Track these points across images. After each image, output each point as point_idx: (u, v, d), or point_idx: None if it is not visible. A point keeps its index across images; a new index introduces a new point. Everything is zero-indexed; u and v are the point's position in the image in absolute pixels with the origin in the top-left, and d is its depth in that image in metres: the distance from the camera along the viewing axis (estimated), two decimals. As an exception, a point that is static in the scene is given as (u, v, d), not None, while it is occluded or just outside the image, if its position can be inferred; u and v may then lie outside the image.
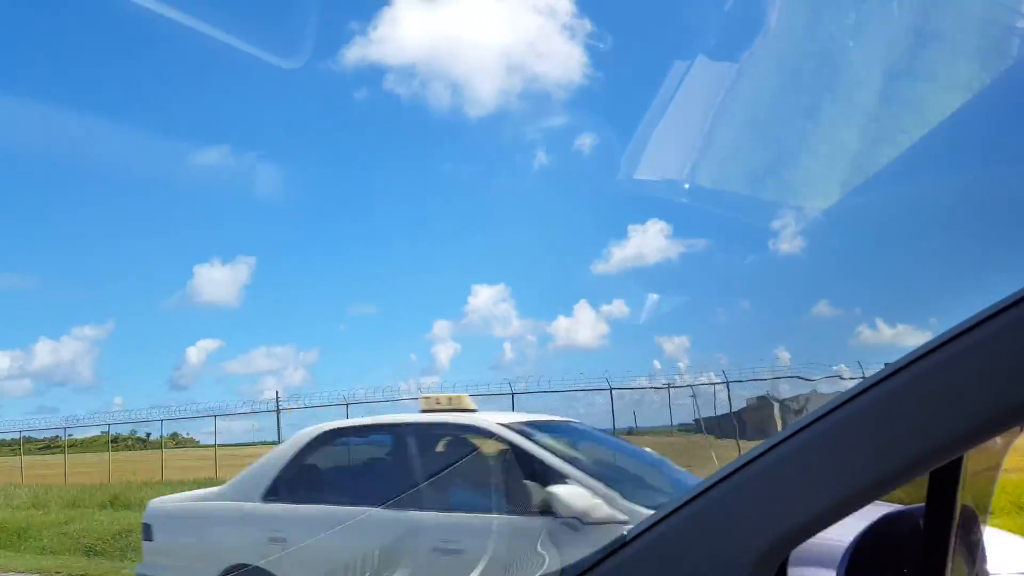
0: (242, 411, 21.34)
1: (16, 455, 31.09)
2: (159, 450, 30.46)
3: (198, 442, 37.08)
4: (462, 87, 66.23)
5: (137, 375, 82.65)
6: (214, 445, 19.55)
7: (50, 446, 40.67)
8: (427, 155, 70.36)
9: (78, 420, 29.64)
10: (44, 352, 73.95)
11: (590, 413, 18.55)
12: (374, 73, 66.13)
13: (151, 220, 71.63)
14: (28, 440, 35.45)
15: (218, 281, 76.82)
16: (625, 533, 1.43)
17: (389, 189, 71.73)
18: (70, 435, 35.86)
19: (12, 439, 34.53)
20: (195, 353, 79.90)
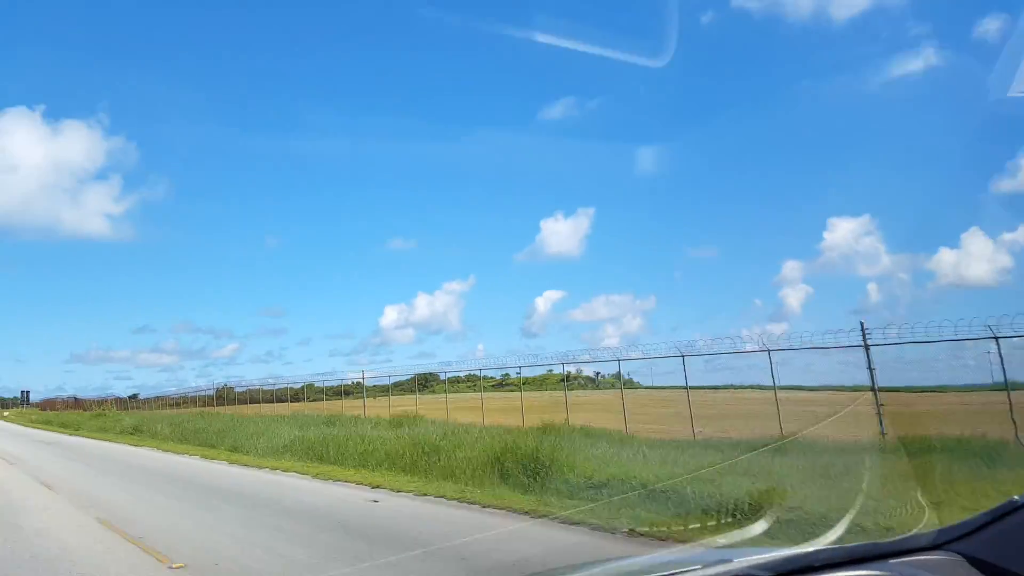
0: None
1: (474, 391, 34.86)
2: (609, 390, 33.11)
3: (638, 383, 39.49)
4: (830, -15, 56.33)
5: (495, 324, 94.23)
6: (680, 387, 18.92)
7: (503, 383, 48.62)
8: (779, 73, 62.28)
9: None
10: (423, 305, 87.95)
11: (979, 366, 15.18)
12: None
13: (503, 180, 79.55)
14: (478, 378, 40.90)
15: (562, 233, 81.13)
16: (1016, 498, 1.31)
17: (733, 116, 65.53)
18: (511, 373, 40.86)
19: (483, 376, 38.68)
20: (542, 303, 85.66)
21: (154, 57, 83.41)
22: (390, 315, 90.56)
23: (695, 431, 16.39)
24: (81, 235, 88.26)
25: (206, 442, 21.48)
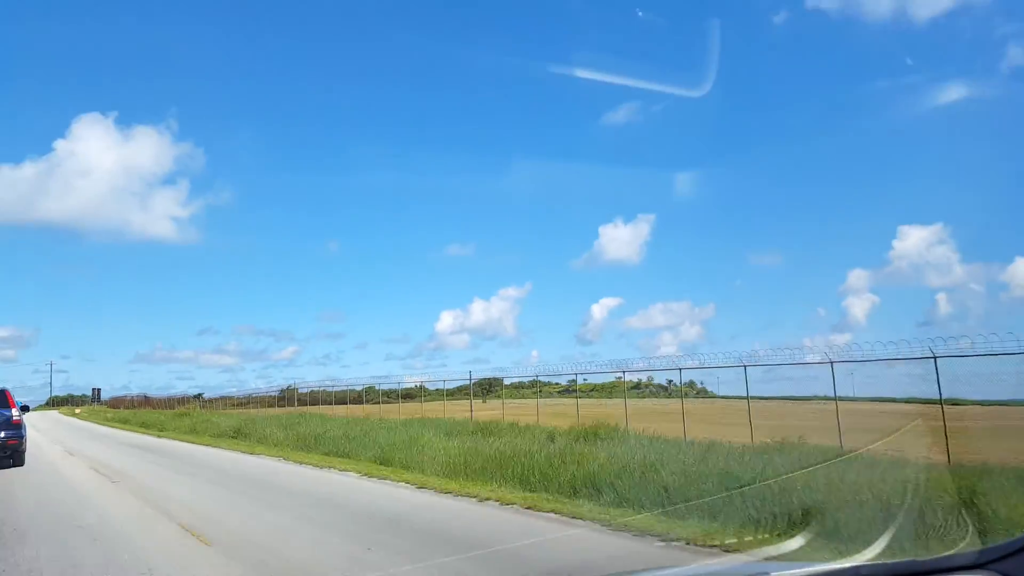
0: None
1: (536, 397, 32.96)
2: (679, 399, 30.80)
3: (712, 392, 37.54)
4: (912, -17, 51.13)
5: (550, 330, 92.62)
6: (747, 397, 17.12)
7: (569, 389, 44.33)
8: (855, 77, 58.81)
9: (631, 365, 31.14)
10: (478, 311, 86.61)
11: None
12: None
13: (562, 188, 76.30)
14: (542, 383, 37.32)
15: (621, 240, 78.55)
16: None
17: (800, 121, 61.71)
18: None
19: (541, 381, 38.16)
20: (598, 310, 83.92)
21: (222, 65, 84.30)
22: (446, 320, 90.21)
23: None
24: (149, 238, 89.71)
25: (337, 451, 17.00)
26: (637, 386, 31.77)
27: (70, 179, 78.58)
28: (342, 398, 44.69)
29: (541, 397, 32.89)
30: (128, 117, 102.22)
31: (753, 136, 63.81)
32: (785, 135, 58.80)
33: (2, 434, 14.36)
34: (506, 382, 46.02)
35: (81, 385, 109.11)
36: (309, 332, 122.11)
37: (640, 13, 54.46)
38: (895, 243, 55.56)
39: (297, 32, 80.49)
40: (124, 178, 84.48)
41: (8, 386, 16.07)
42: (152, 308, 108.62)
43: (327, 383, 48.91)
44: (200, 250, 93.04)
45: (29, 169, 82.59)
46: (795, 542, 5.78)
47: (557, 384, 48.46)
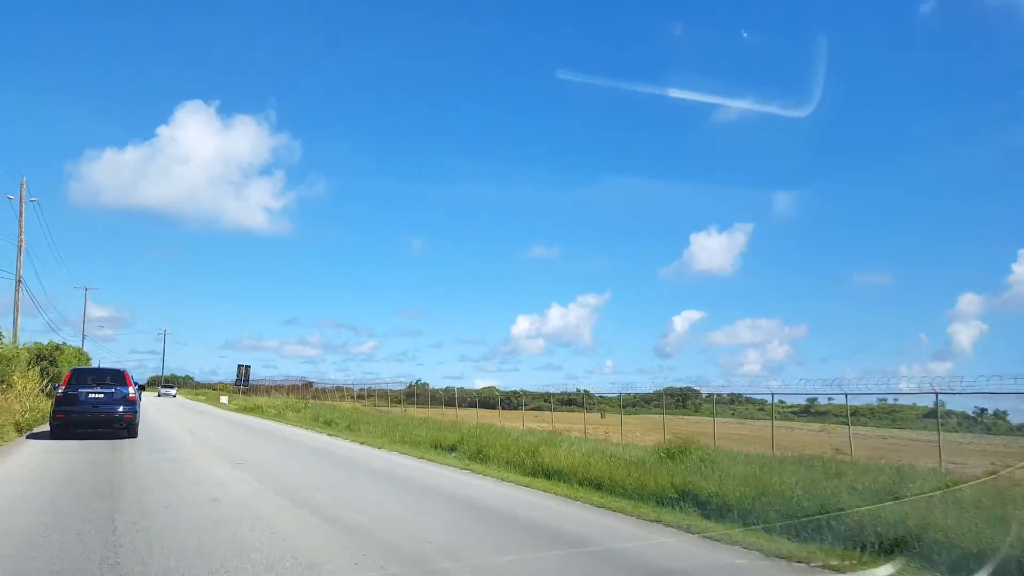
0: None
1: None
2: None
3: None
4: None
5: (626, 340, 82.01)
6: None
7: (811, 410, 40.56)
8: (977, 94, 51.74)
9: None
10: (555, 316, 78.47)
11: None
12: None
13: (653, 194, 65.30)
14: (747, 399, 42.15)
15: (713, 249, 66.32)
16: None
17: (913, 139, 54.12)
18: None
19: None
20: (680, 322, 72.61)
21: (322, 57, 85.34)
22: (522, 324, 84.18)
23: None
24: (242, 227, 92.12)
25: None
26: (932, 413, 22.70)
27: (170, 165, 78.61)
28: (473, 399, 42.01)
29: (776, 419, 23.68)
30: (229, 106, 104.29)
31: (861, 154, 59.63)
32: (896, 153, 55.92)
33: (121, 408, 15.91)
34: (704, 393, 40.55)
35: (173, 367, 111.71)
36: (388, 328, 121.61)
37: (745, 34, 52.70)
38: (1014, 267, 50.36)
39: (404, 42, 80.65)
40: (222, 166, 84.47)
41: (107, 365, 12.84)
42: (241, 296, 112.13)
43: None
44: (289, 241, 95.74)
45: (132, 154, 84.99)
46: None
47: (783, 403, 40.78)
